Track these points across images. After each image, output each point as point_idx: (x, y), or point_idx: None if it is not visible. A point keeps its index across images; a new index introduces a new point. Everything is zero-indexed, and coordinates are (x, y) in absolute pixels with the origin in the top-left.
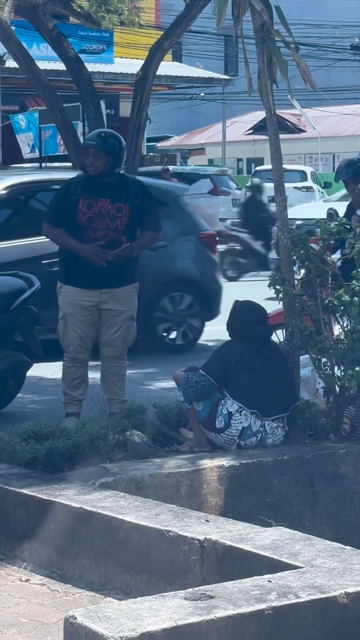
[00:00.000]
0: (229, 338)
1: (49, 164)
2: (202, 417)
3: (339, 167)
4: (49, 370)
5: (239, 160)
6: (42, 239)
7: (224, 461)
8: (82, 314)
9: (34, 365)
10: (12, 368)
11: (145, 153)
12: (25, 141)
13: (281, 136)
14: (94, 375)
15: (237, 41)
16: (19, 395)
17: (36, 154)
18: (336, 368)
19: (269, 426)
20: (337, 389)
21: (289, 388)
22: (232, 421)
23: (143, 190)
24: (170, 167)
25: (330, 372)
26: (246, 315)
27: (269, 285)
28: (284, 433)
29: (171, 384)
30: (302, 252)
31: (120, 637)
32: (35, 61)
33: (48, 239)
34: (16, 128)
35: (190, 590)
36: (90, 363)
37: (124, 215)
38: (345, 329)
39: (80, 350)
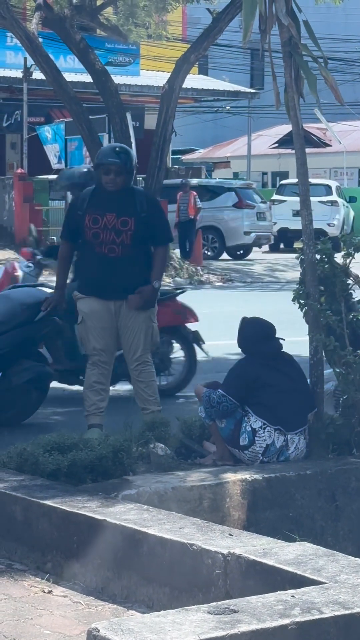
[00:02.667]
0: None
1: None
2: (226, 435)
3: None
4: None
5: (264, 173)
6: None
7: (247, 475)
8: (99, 319)
9: None
10: (36, 379)
11: (170, 166)
12: (52, 152)
13: (307, 150)
14: (116, 387)
15: (263, 55)
16: (41, 406)
17: (62, 165)
18: None
19: (291, 440)
20: None
21: (307, 398)
22: (256, 438)
23: (150, 202)
24: (195, 180)
25: (354, 386)
26: (253, 334)
27: (293, 299)
28: (306, 444)
29: (195, 397)
30: (326, 266)
31: None
32: (62, 73)
33: None
34: (43, 139)
35: (213, 604)
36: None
37: (130, 229)
38: None
39: (101, 353)
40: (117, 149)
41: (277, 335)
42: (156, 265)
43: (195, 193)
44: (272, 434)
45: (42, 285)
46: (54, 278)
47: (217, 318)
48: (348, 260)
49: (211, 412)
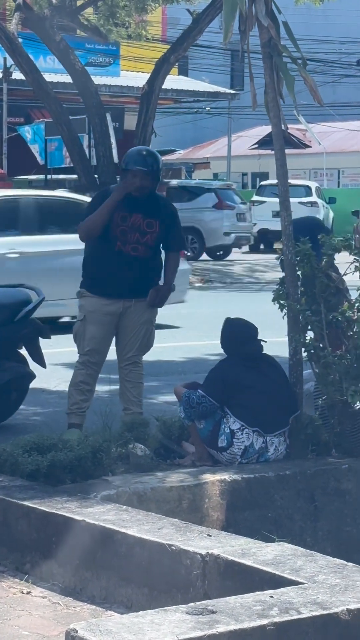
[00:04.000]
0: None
1: (54, 176)
2: (204, 435)
3: None
4: (52, 382)
5: (244, 174)
6: None
7: (226, 475)
8: (101, 320)
9: (37, 376)
10: (15, 380)
11: None
12: (34, 151)
13: (286, 151)
14: (96, 388)
15: (243, 56)
16: (21, 406)
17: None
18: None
19: (270, 442)
20: (340, 404)
21: (289, 400)
22: (234, 440)
23: (172, 210)
24: (175, 181)
25: (334, 387)
26: (235, 334)
27: (273, 300)
28: (285, 446)
29: (174, 397)
30: (306, 267)
31: None
32: (42, 73)
33: None
34: (26, 139)
35: (192, 604)
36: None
37: (155, 231)
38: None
39: (92, 354)
40: (144, 152)
41: (259, 337)
42: (171, 269)
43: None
44: (250, 436)
45: (22, 285)
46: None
47: (196, 319)
48: (326, 262)
49: (190, 413)
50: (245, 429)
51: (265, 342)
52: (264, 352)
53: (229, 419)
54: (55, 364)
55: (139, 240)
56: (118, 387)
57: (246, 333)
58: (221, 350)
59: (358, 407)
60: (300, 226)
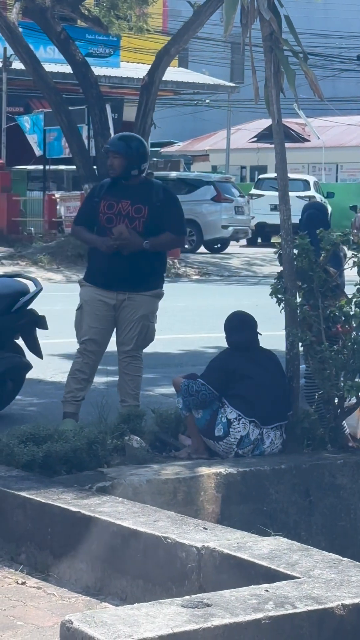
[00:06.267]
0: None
1: (52, 167)
2: (202, 425)
3: None
4: (48, 373)
5: (243, 167)
6: None
7: (222, 469)
8: (98, 309)
9: (34, 367)
10: (12, 370)
11: None
12: (32, 142)
13: (285, 145)
14: (94, 379)
15: (244, 49)
16: (17, 397)
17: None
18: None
19: (267, 434)
20: (336, 399)
21: (286, 394)
22: (231, 429)
23: (166, 194)
24: (174, 173)
25: (330, 382)
26: (231, 324)
27: (271, 294)
28: (281, 441)
29: (170, 389)
30: (304, 261)
31: None
32: (42, 63)
33: None
34: (24, 129)
35: (187, 597)
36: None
37: (142, 217)
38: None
39: (90, 343)
40: (121, 137)
41: (257, 330)
42: (159, 237)
43: None
44: (247, 426)
45: (19, 275)
46: (31, 269)
47: (193, 311)
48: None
49: (189, 401)
50: (242, 419)
51: (261, 334)
52: (261, 345)
53: (226, 409)
54: (51, 355)
55: (127, 226)
56: (115, 378)
57: (240, 321)
58: (218, 343)
59: (354, 401)
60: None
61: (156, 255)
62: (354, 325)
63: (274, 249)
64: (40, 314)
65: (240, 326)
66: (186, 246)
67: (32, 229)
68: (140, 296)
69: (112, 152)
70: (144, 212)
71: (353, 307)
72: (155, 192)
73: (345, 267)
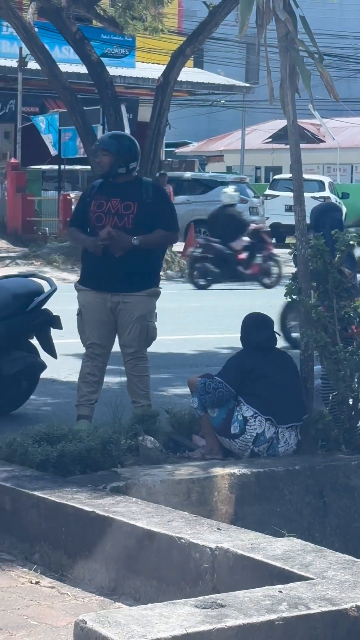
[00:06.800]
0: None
1: (67, 167)
2: (217, 424)
3: None
4: (62, 373)
5: (257, 168)
6: None
7: (236, 469)
8: (96, 312)
9: (48, 367)
10: (26, 369)
11: (163, 158)
12: (47, 141)
13: (300, 146)
14: (105, 380)
15: (259, 50)
16: (32, 396)
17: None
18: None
19: (282, 434)
20: (351, 400)
21: (301, 395)
22: (247, 427)
23: (156, 191)
24: (189, 173)
25: (344, 383)
26: (247, 324)
27: (285, 295)
28: (296, 442)
29: (185, 390)
30: (319, 262)
31: None
32: (57, 63)
33: None
34: (39, 128)
35: (200, 598)
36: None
37: (132, 213)
38: None
39: (95, 346)
40: (111, 135)
41: (274, 331)
42: (150, 234)
43: (170, 187)
44: (262, 424)
45: (34, 275)
46: (45, 269)
47: (207, 312)
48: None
49: (205, 399)
50: (258, 417)
51: (280, 335)
52: (277, 347)
53: (242, 407)
54: (66, 355)
55: (116, 224)
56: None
57: (260, 322)
58: (232, 343)
59: None
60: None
61: (148, 254)
62: None
63: (288, 250)
64: (54, 313)
65: (258, 326)
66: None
67: (47, 228)
68: (135, 297)
69: (101, 150)
70: (133, 209)
71: None
72: (144, 189)
73: None
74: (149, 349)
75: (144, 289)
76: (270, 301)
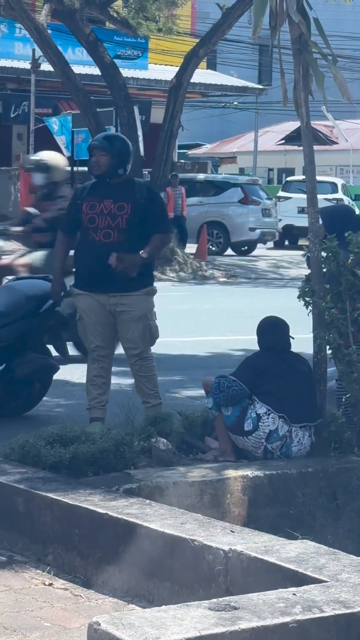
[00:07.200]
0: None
1: (80, 168)
2: (231, 422)
3: None
4: (75, 374)
5: (270, 170)
6: None
7: (248, 471)
8: (95, 315)
9: (61, 368)
10: (39, 371)
11: (176, 160)
12: (60, 143)
13: (313, 147)
14: (118, 381)
15: (272, 51)
16: (45, 398)
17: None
18: None
19: (295, 433)
20: None
21: (315, 400)
22: (260, 424)
23: (149, 192)
24: (201, 175)
25: (358, 385)
26: (262, 327)
27: (299, 297)
28: (310, 442)
29: (198, 392)
30: (332, 264)
31: None
32: (70, 65)
33: None
34: (52, 130)
35: (214, 600)
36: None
37: (126, 213)
38: None
39: (99, 350)
40: (107, 135)
41: (289, 334)
42: (151, 243)
43: (182, 188)
44: (276, 421)
45: (47, 277)
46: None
47: (220, 314)
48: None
49: (219, 398)
50: (271, 414)
51: (293, 338)
52: (292, 350)
53: (256, 405)
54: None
55: (110, 224)
56: None
57: (275, 325)
58: (245, 345)
59: None
60: (332, 215)
61: (136, 248)
62: None
63: (301, 252)
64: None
65: (273, 329)
66: (213, 248)
67: None
68: (133, 297)
69: (98, 150)
70: (126, 209)
71: None
72: (138, 190)
73: None
74: (162, 351)
75: (140, 288)
76: (286, 304)
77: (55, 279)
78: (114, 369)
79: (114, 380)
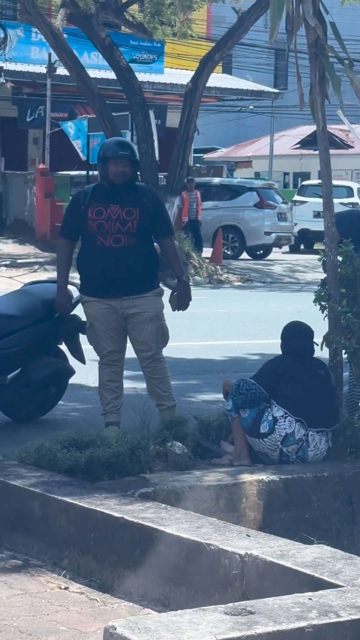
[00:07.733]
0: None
1: (96, 172)
2: (247, 424)
3: None
4: (90, 378)
5: (286, 174)
6: None
7: (264, 476)
8: (106, 321)
9: (76, 372)
10: (55, 375)
11: (191, 164)
12: (76, 147)
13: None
14: (134, 385)
15: (288, 55)
16: (60, 402)
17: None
18: None
19: (312, 437)
20: None
21: (334, 406)
22: (276, 427)
23: (153, 196)
24: (217, 179)
25: None
26: (285, 330)
27: (315, 301)
28: (327, 448)
29: (213, 396)
30: (348, 268)
31: None
32: (86, 69)
33: None
34: (68, 134)
35: (230, 604)
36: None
37: (135, 218)
38: None
39: (111, 354)
40: (121, 142)
41: (313, 340)
42: (173, 259)
43: (199, 192)
44: (292, 424)
45: None
46: (74, 274)
47: (235, 318)
48: None
49: (238, 400)
50: (288, 417)
51: (317, 344)
52: (314, 356)
53: (273, 408)
54: (94, 360)
55: (120, 229)
56: None
57: (299, 330)
58: (261, 350)
59: None
60: (348, 219)
61: (148, 254)
62: None
63: (317, 256)
64: (83, 319)
65: (296, 333)
66: (228, 252)
67: None
68: (144, 298)
69: (124, 160)
70: (135, 214)
71: None
72: (144, 194)
73: None
74: (177, 355)
75: (150, 290)
76: (301, 308)
77: (59, 290)
78: (130, 373)
79: (130, 384)
